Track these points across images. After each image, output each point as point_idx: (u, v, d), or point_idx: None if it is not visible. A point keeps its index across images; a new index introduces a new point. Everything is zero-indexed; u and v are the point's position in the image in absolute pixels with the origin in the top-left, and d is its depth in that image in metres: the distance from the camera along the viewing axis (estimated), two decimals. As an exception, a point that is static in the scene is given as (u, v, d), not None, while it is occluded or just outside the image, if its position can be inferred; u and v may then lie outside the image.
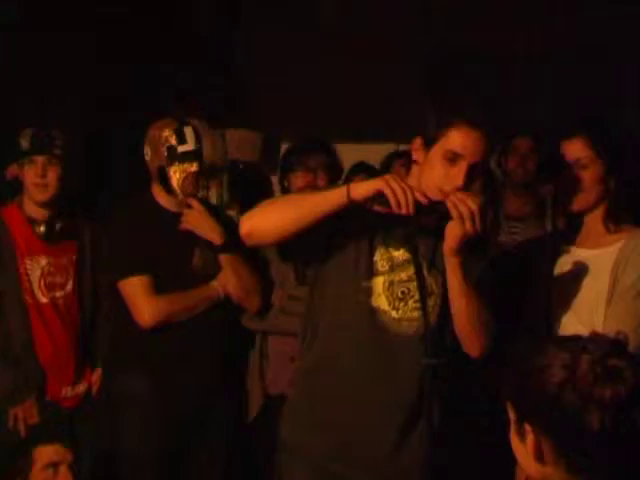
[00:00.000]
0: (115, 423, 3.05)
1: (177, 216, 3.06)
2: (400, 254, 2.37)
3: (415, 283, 2.35)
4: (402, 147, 4.13)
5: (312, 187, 3.21)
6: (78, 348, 3.23)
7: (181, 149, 3.01)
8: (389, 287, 2.35)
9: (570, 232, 2.64)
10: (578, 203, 2.55)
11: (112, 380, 3.11)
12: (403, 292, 2.36)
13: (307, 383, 2.47)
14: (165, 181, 3.04)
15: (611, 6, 4.60)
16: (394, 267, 2.36)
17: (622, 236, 2.52)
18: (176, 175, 3.02)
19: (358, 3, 5.09)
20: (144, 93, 4.39)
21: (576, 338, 1.41)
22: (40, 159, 3.11)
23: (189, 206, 3.04)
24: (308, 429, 2.42)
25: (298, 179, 3.30)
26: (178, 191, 3.03)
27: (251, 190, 4.55)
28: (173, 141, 3.01)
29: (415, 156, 2.33)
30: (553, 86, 4.82)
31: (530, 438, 1.35)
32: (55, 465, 2.62)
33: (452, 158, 2.25)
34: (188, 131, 3.04)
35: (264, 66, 5.22)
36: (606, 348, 1.34)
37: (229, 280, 3.06)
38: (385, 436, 2.38)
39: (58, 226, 3.18)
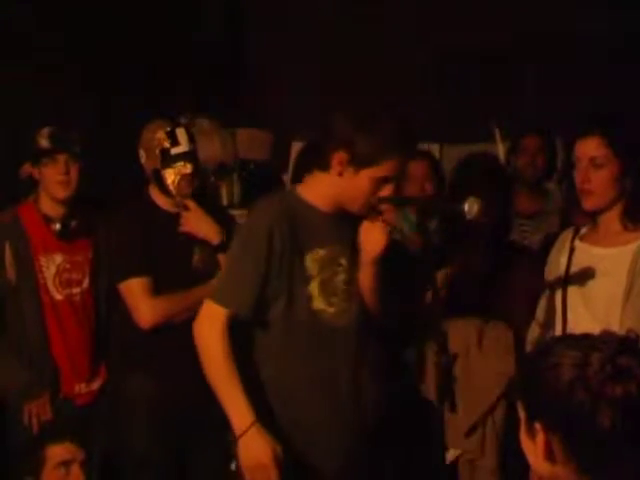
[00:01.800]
0: (122, 423, 3.07)
1: (175, 217, 3.07)
2: (325, 252, 2.47)
3: (340, 276, 2.49)
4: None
5: None
6: (93, 345, 3.24)
7: (174, 151, 3.02)
8: (322, 287, 2.46)
9: (583, 230, 2.63)
10: (593, 202, 2.53)
11: (118, 381, 3.13)
12: (333, 287, 2.48)
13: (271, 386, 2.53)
14: (161, 183, 3.05)
15: (611, 5, 4.60)
16: (323, 266, 2.46)
17: (639, 235, 2.51)
18: (171, 177, 3.03)
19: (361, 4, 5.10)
20: (154, 94, 4.40)
21: (587, 336, 1.40)
22: (62, 157, 3.12)
23: (186, 207, 3.06)
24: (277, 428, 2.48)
25: None
26: (174, 193, 3.04)
27: (264, 190, 4.54)
28: (166, 144, 3.02)
29: (339, 169, 2.40)
30: (553, 86, 4.83)
31: (540, 437, 1.35)
32: (67, 464, 2.62)
33: (383, 181, 2.40)
34: (180, 132, 3.05)
35: (273, 66, 5.23)
36: (617, 346, 1.33)
37: None
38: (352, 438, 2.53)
39: (73, 224, 3.19)
